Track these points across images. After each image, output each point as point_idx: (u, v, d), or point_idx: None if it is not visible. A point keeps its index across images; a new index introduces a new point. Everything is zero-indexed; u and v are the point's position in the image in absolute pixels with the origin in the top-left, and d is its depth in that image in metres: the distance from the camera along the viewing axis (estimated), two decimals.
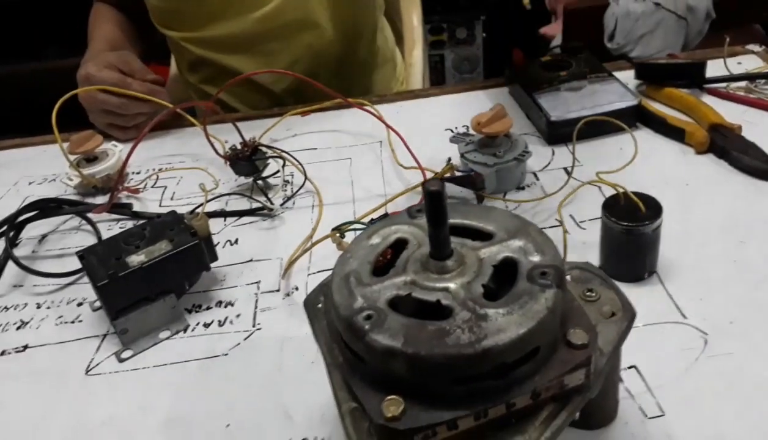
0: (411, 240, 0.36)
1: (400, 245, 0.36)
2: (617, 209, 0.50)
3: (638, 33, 1.44)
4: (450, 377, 0.29)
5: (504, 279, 0.32)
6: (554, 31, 1.76)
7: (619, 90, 0.72)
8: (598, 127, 0.67)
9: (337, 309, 0.32)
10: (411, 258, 0.34)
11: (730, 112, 0.68)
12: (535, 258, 0.32)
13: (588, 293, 0.37)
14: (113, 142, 0.78)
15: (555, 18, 1.92)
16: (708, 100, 0.72)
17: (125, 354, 0.53)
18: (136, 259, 0.53)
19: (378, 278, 0.33)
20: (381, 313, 0.31)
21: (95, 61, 0.82)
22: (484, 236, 0.35)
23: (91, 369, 0.52)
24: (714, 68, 0.77)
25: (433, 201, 0.31)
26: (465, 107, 0.82)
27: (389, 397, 0.30)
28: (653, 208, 0.50)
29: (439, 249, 0.32)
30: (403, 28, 1.15)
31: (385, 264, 0.35)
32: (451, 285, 0.31)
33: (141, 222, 0.61)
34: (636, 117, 0.70)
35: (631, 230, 0.49)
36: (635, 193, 0.50)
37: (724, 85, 0.74)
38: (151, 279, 0.53)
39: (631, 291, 0.50)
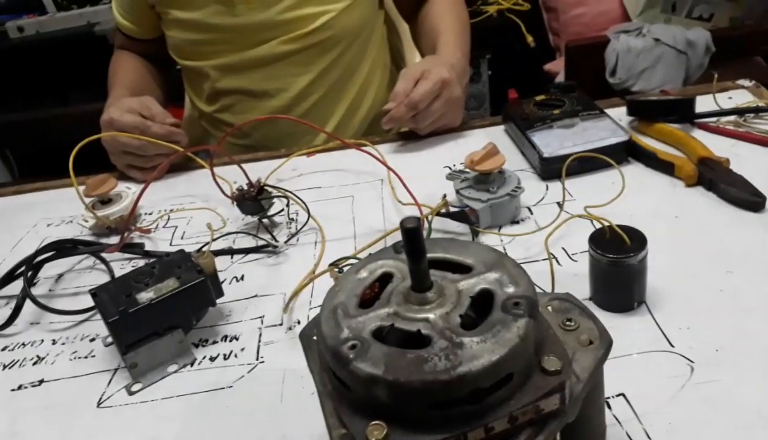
0: (396, 273, 0.38)
1: (385, 279, 0.38)
2: (603, 242, 0.52)
3: (639, 68, 1.47)
4: (428, 402, 0.31)
5: (481, 309, 0.34)
6: (558, 67, 1.79)
7: (610, 126, 0.74)
8: (589, 163, 0.69)
9: (324, 339, 0.34)
10: (395, 291, 0.36)
11: (719, 146, 0.71)
12: (510, 289, 0.34)
13: (567, 322, 0.39)
14: (127, 185, 0.82)
15: (559, 55, 1.96)
16: (698, 134, 0.74)
17: (135, 388, 0.55)
18: (145, 296, 0.55)
19: (364, 310, 0.36)
20: (365, 343, 0.33)
21: (117, 106, 0.87)
22: (464, 269, 0.37)
23: (102, 402, 0.54)
24: (705, 103, 0.79)
25: (410, 237, 0.33)
26: (462, 145, 0.85)
27: (373, 423, 0.32)
28: (638, 240, 0.52)
29: (419, 282, 0.35)
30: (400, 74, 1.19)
31: (372, 297, 0.38)
32: (431, 316, 0.34)
33: (152, 260, 0.64)
34: (627, 152, 0.73)
35: (617, 262, 0.51)
36: (620, 226, 0.52)
37: (714, 119, 0.77)
38: (159, 315, 0.56)
39: (620, 321, 0.53)
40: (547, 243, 0.56)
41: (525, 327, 0.32)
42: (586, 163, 0.69)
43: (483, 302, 0.35)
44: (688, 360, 0.49)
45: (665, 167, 0.69)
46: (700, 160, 0.68)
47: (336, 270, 0.57)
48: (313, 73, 0.99)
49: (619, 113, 0.80)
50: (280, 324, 0.60)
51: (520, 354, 0.32)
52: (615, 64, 1.49)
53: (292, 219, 0.75)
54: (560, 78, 1.71)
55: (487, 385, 0.31)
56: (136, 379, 0.56)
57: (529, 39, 1.98)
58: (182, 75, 1.13)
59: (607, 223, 0.52)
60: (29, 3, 2.15)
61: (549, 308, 0.40)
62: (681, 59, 1.48)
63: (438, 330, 0.33)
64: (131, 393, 0.55)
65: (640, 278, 0.53)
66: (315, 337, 0.41)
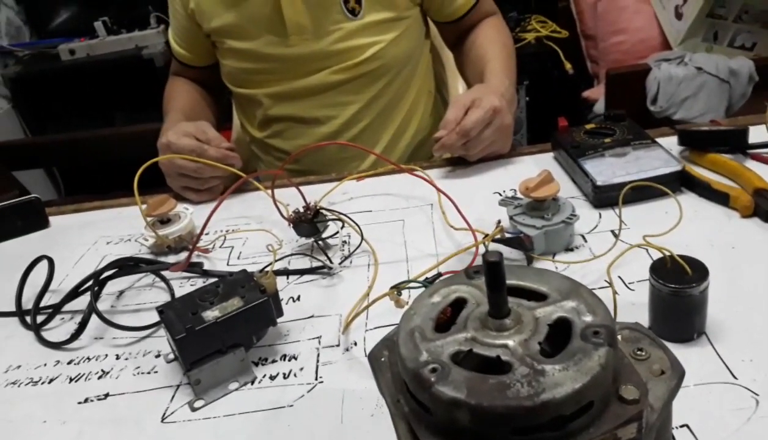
0: (469, 299, 0.39)
1: (459, 304, 0.39)
2: (664, 272, 0.52)
3: (681, 96, 1.47)
4: (510, 428, 0.32)
5: (558, 337, 0.35)
6: (596, 94, 1.80)
7: (662, 156, 0.75)
8: (643, 192, 0.70)
9: (403, 361, 0.35)
10: (470, 316, 0.37)
11: None
12: (588, 318, 0.35)
13: (638, 352, 0.39)
14: (185, 205, 0.85)
15: (597, 82, 1.97)
16: (751, 165, 0.74)
17: (198, 404, 0.57)
18: (211, 314, 0.57)
19: (440, 334, 0.37)
20: (445, 367, 0.34)
21: (174, 130, 0.90)
22: (539, 297, 0.38)
23: (166, 418, 0.56)
24: (756, 133, 0.79)
25: (492, 270, 0.34)
26: (512, 171, 0.86)
27: None
28: (699, 271, 0.52)
29: (498, 309, 0.36)
30: (449, 98, 1.21)
31: (445, 321, 0.39)
32: (510, 342, 0.35)
33: (211, 280, 0.66)
34: (680, 182, 0.73)
35: (679, 292, 0.51)
36: (681, 256, 0.52)
37: (767, 150, 0.76)
38: (223, 333, 0.57)
39: (680, 352, 0.52)
40: (609, 272, 0.56)
41: (606, 356, 0.33)
42: (639, 192, 0.69)
43: (560, 330, 0.35)
44: (753, 392, 0.48)
45: (720, 198, 0.69)
46: (755, 191, 0.67)
47: (396, 293, 0.58)
48: (361, 101, 1.02)
49: (669, 143, 0.81)
50: (337, 345, 0.61)
51: (601, 382, 0.32)
52: (656, 92, 1.49)
53: (345, 241, 0.76)
54: (599, 105, 1.72)
55: (568, 412, 0.32)
56: (199, 396, 0.57)
57: (568, 66, 1.99)
58: (234, 101, 1.16)
59: (668, 253, 0.53)
60: (81, 27, 2.23)
61: (619, 337, 0.40)
62: (723, 88, 1.47)
63: (518, 356, 0.34)
64: (194, 409, 0.57)
65: (701, 309, 0.53)
66: (384, 359, 0.42)
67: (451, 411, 0.33)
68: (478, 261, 0.63)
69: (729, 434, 0.46)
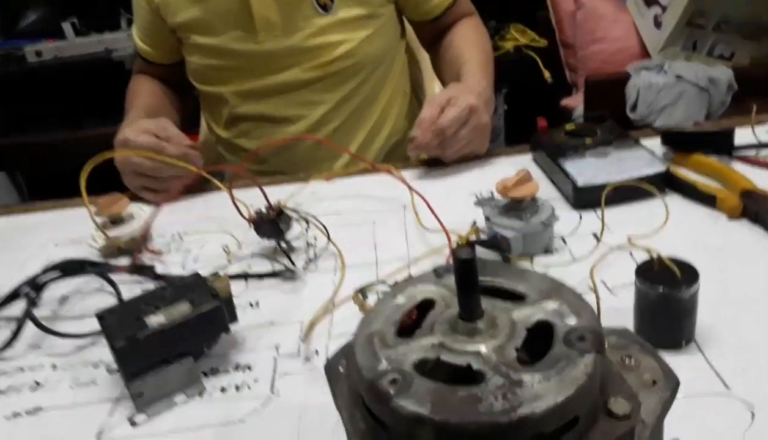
0: (438, 300, 0.34)
1: (426, 306, 0.34)
2: (651, 274, 0.48)
3: (660, 104, 1.45)
4: None
5: (538, 343, 0.31)
6: (575, 102, 1.78)
7: (645, 156, 0.71)
8: (625, 194, 0.66)
9: (359, 371, 0.30)
10: (438, 319, 0.33)
11: (760, 179, 0.67)
12: (572, 321, 0.31)
13: (626, 360, 0.35)
14: (140, 205, 0.79)
15: (575, 91, 1.95)
16: (737, 167, 0.71)
17: (139, 419, 0.51)
18: (155, 321, 0.52)
19: (403, 339, 0.32)
20: (407, 377, 0.29)
21: (133, 127, 0.84)
22: (516, 297, 0.33)
23: (103, 434, 0.50)
24: (741, 136, 0.76)
25: (464, 268, 0.30)
26: (488, 172, 0.82)
27: None
28: (689, 273, 0.48)
29: (468, 311, 0.31)
30: (425, 100, 1.17)
31: (410, 325, 0.34)
32: (483, 349, 0.30)
33: (163, 284, 0.60)
34: (664, 183, 0.69)
35: (668, 295, 0.47)
36: (669, 258, 0.48)
37: (753, 152, 0.73)
38: (169, 342, 0.52)
39: (668, 360, 0.48)
40: (592, 275, 0.52)
41: (593, 364, 0.28)
42: (622, 194, 0.66)
43: (540, 335, 0.31)
44: (748, 403, 0.44)
45: (706, 199, 0.66)
46: (743, 193, 0.64)
47: (361, 296, 0.53)
48: (333, 100, 0.97)
49: (651, 145, 0.77)
50: (298, 355, 0.55)
51: (588, 394, 0.28)
52: (636, 99, 1.47)
53: (311, 244, 0.71)
54: (578, 113, 1.69)
55: (550, 430, 0.27)
56: (141, 410, 0.52)
57: (546, 75, 1.97)
58: (200, 100, 1.11)
59: (655, 254, 0.49)
60: (49, 28, 2.16)
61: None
62: (703, 96, 1.46)
63: (492, 365, 0.29)
64: (134, 425, 0.51)
65: (690, 313, 0.49)
66: (342, 369, 0.37)
67: (413, 429, 0.28)
68: None
69: None
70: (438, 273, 0.36)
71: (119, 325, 0.51)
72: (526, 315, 0.32)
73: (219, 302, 0.53)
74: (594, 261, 0.56)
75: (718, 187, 0.67)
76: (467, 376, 0.29)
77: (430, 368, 0.30)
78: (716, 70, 1.47)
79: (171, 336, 0.51)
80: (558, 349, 0.29)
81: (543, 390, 0.27)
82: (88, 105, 2.16)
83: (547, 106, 1.90)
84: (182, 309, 0.53)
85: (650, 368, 0.35)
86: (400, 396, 0.28)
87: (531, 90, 1.99)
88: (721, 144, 0.73)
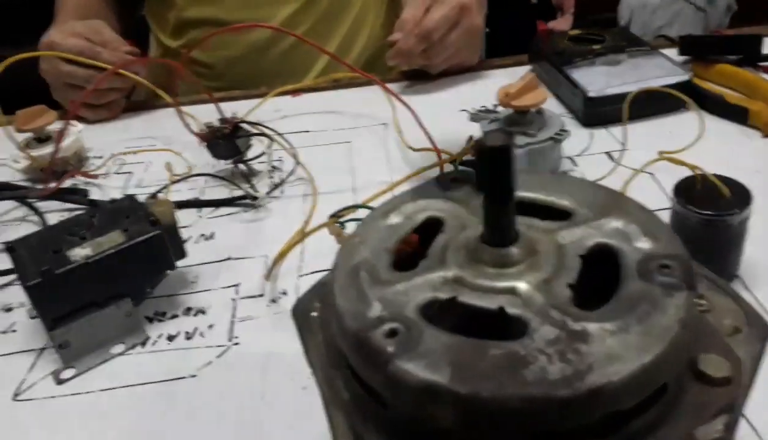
0: (447, 220, 0.25)
1: (431, 227, 0.25)
2: (693, 195, 0.40)
3: (655, 25, 1.35)
4: (528, 433, 0.18)
5: (597, 277, 0.21)
6: (562, 26, 1.67)
7: (665, 64, 0.62)
8: (642, 107, 0.57)
9: (341, 319, 0.21)
10: (452, 246, 0.23)
11: None
12: (645, 245, 0.21)
13: (698, 301, 0.26)
14: (72, 121, 0.67)
15: (561, 14, 1.83)
16: (765, 78, 0.62)
17: (65, 375, 0.42)
18: (80, 253, 0.42)
19: (403, 274, 0.22)
20: (412, 327, 0.20)
21: (61, 29, 0.72)
22: (560, 214, 0.24)
23: (21, 394, 0.41)
24: (766, 45, 0.67)
25: (495, 163, 0.20)
26: (481, 87, 0.72)
27: None
28: (740, 195, 0.39)
29: (499, 231, 0.21)
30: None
31: (411, 254, 0.24)
32: (521, 285, 0.20)
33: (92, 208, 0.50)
34: (686, 95, 0.60)
35: (714, 221, 0.39)
36: (716, 176, 0.39)
37: None
38: (99, 279, 0.42)
39: None
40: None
41: (686, 306, 0.19)
42: (638, 108, 0.56)
43: (601, 265, 0.21)
44: None
45: (736, 114, 0.57)
46: None
47: (337, 224, 0.43)
48: (298, 1, 0.84)
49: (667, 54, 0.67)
50: (261, 296, 0.46)
51: (681, 351, 0.19)
52: (629, 20, 1.37)
53: (276, 167, 0.61)
54: None
55: (631, 405, 0.18)
56: (68, 363, 0.42)
57: None
58: (145, 6, 0.96)
59: (699, 171, 0.40)
60: None
61: None
62: (699, 17, 1.36)
63: (536, 308, 0.20)
64: (60, 382, 0.42)
65: (738, 244, 0.40)
66: (315, 314, 0.28)
67: (424, 405, 0.18)
68: None
69: None
70: (444, 183, 0.27)
71: (34, 258, 0.41)
72: (578, 237, 0.22)
73: (159, 230, 0.43)
74: (611, 184, 0.47)
75: (749, 99, 0.59)
76: (499, 327, 0.20)
77: (444, 314, 0.21)
78: None
79: (100, 272, 0.42)
80: (632, 286, 0.20)
81: (620, 347, 0.18)
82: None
83: (531, 29, 1.78)
84: (113, 238, 0.42)
85: (728, 311, 0.26)
86: (404, 355, 0.19)
87: (512, 12, 1.86)
88: (748, 51, 0.64)
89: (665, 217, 0.41)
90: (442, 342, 0.19)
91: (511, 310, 0.20)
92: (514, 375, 0.18)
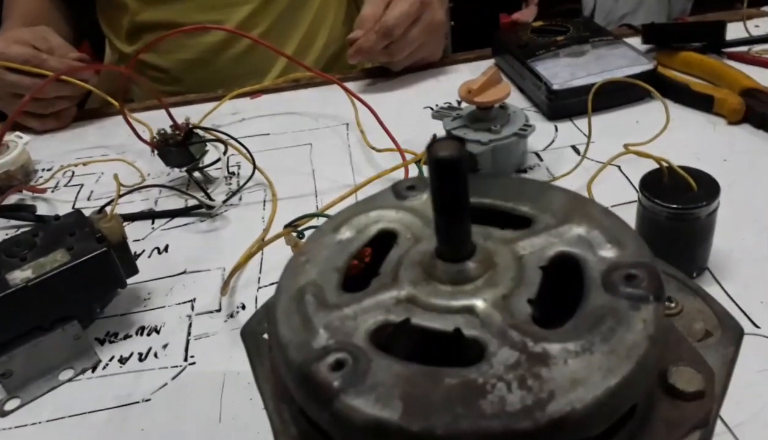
0: (401, 232, 0.23)
1: (384, 241, 0.23)
2: (660, 188, 0.38)
3: (619, 13, 1.35)
4: None
5: (559, 289, 0.20)
6: (527, 16, 1.66)
7: (629, 54, 0.61)
8: (606, 98, 0.56)
9: (284, 350, 0.19)
10: (405, 261, 0.21)
11: (757, 77, 0.58)
12: (609, 253, 0.20)
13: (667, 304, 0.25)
14: (17, 133, 0.63)
15: (525, 4, 1.82)
16: (731, 65, 0.61)
17: (10, 406, 0.39)
18: (19, 276, 0.39)
19: (353, 295, 0.21)
20: (360, 356, 0.18)
21: (4, 37, 0.69)
22: (519, 221, 0.22)
23: None
24: (729, 32, 0.66)
25: (446, 174, 0.18)
26: (445, 83, 0.70)
27: None
28: (707, 186, 0.38)
29: (453, 245, 0.20)
30: None
31: (361, 272, 0.22)
32: (478, 303, 0.19)
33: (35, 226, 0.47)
34: (651, 85, 0.59)
35: (681, 215, 0.37)
36: (682, 167, 0.38)
37: (745, 48, 0.64)
38: (42, 302, 0.39)
39: None
40: (590, 189, 0.42)
41: (654, 320, 0.18)
42: (603, 99, 0.55)
43: (563, 275, 0.20)
44: None
45: (701, 102, 0.56)
46: (744, 92, 0.55)
47: (294, 234, 0.41)
48: (254, 2, 0.82)
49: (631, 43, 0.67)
50: (218, 311, 0.44)
51: (650, 369, 0.17)
52: (593, 8, 1.37)
53: (233, 173, 0.58)
54: None
55: (598, 432, 0.16)
56: (12, 393, 0.40)
57: None
58: (97, 10, 0.93)
59: (665, 163, 0.39)
60: None
61: None
62: (663, 4, 1.37)
63: (495, 329, 0.18)
64: (4, 414, 0.39)
65: (706, 237, 0.39)
66: (265, 336, 0.26)
67: None
68: None
69: (762, 406, 0.33)
70: (399, 192, 0.25)
71: None
72: (539, 247, 0.21)
73: (107, 247, 0.40)
74: (578, 178, 0.46)
75: (714, 87, 0.58)
76: (456, 350, 0.18)
77: (396, 338, 0.19)
78: None
79: (43, 295, 0.39)
80: (596, 299, 0.18)
81: (584, 369, 0.16)
82: None
83: (494, 21, 1.77)
84: (56, 258, 0.40)
85: (699, 313, 0.25)
86: (351, 390, 0.17)
87: (478, 3, 1.85)
88: (712, 38, 0.63)
89: (633, 210, 0.40)
90: (393, 373, 0.17)
91: (468, 332, 0.18)
92: (471, 406, 0.16)
